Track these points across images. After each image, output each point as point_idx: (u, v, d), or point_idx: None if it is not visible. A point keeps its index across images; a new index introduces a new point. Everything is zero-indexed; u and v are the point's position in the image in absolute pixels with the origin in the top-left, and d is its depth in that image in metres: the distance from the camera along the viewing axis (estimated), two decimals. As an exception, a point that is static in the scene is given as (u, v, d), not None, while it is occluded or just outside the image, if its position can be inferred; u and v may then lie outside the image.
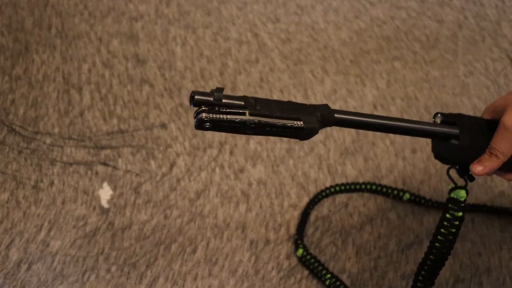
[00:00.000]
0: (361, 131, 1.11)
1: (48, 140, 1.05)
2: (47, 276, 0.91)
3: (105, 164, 1.04)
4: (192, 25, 1.21)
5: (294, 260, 0.96)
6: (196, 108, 0.58)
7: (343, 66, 1.20)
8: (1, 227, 0.95)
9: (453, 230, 0.69)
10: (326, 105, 0.64)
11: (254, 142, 1.09)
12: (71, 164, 1.03)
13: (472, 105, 1.16)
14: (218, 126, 0.58)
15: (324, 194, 1.04)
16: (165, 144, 1.07)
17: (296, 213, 1.02)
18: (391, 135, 1.12)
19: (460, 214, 0.69)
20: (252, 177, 1.06)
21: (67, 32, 1.16)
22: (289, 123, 0.60)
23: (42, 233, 0.95)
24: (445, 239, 0.69)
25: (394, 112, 1.15)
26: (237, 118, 0.58)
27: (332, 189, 1.04)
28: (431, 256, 0.70)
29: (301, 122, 0.61)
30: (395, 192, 1.04)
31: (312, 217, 1.02)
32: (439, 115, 0.69)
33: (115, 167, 1.04)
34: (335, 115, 0.63)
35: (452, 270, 0.96)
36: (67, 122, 1.07)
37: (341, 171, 1.07)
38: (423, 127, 0.68)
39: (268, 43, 1.20)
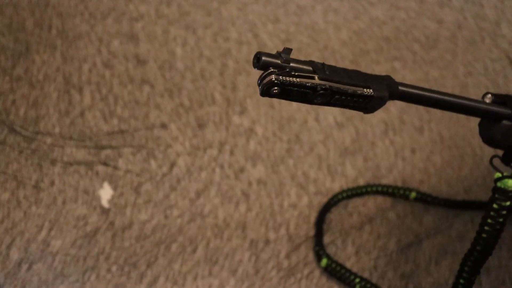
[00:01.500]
0: (361, 131, 1.12)
1: (49, 140, 1.05)
2: (47, 276, 0.91)
3: (105, 164, 1.04)
4: (192, 26, 1.21)
5: (294, 260, 0.96)
6: (261, 72, 0.52)
7: (343, 67, 1.20)
8: (2, 227, 0.95)
9: (501, 219, 0.68)
10: (389, 76, 0.60)
11: (254, 142, 1.09)
12: (71, 164, 1.03)
13: (472, 105, 1.17)
14: (287, 91, 0.52)
15: (332, 202, 1.03)
16: (165, 144, 1.07)
17: (296, 213, 1.02)
18: (391, 135, 1.12)
19: (508, 203, 0.68)
20: (252, 177, 1.06)
21: (68, 33, 1.17)
22: (359, 90, 0.56)
23: (43, 233, 0.95)
24: (492, 229, 0.68)
25: (393, 112, 1.15)
26: (308, 82, 0.53)
27: (340, 196, 1.04)
28: (478, 247, 0.69)
29: (371, 90, 0.56)
30: (401, 191, 1.04)
31: (312, 218, 1.02)
32: (489, 95, 0.67)
33: (115, 167, 1.04)
34: (399, 88, 0.59)
35: (452, 269, 0.96)
36: (68, 122, 1.07)
37: (340, 171, 1.08)
38: (480, 105, 0.65)
39: (268, 43, 1.21)
